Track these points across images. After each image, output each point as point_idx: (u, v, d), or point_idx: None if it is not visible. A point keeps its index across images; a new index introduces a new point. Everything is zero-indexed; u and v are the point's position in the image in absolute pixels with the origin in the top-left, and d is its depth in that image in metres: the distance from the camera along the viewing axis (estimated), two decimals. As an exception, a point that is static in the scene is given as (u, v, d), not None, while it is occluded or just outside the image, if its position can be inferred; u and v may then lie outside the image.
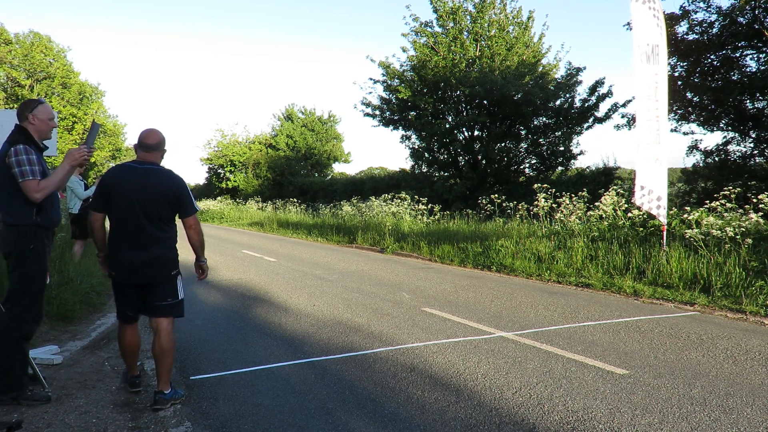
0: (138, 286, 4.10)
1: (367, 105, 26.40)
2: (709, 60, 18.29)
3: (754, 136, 18.76)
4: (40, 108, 4.02)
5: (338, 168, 57.52)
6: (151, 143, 4.07)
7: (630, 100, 21.31)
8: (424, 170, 26.48)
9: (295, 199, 33.48)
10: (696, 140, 19.87)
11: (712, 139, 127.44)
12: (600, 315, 7.14)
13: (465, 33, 24.23)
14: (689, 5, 17.72)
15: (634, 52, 9.52)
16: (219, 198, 46.07)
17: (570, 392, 4.31)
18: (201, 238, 4.20)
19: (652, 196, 9.44)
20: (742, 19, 16.79)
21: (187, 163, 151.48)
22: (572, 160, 23.88)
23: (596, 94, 22.88)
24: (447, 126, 24.08)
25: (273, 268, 11.83)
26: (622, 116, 21.04)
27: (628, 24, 18.24)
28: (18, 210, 3.88)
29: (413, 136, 25.97)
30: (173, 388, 4.16)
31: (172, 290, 4.13)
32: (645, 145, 9.46)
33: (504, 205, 15.93)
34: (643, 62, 9.50)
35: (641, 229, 10.41)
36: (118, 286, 4.15)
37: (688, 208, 10.30)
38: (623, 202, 11.47)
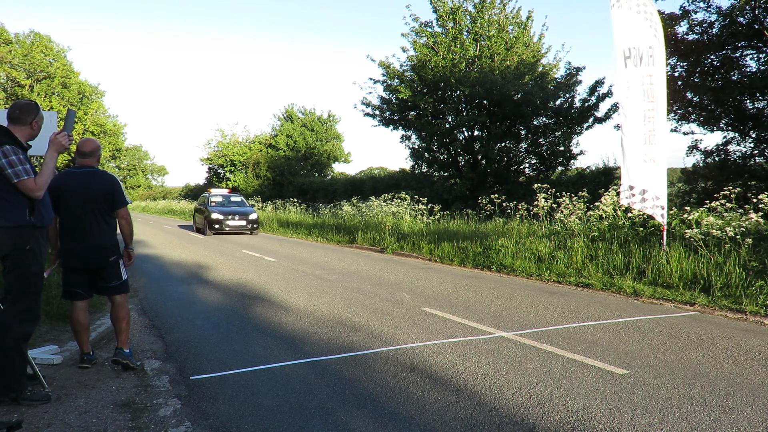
0: (87, 270, 4.76)
1: (367, 105, 26.41)
2: (709, 60, 18.30)
3: (754, 136, 18.76)
4: (41, 115, 4.17)
5: (338, 168, 57.54)
6: (87, 150, 4.77)
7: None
8: (424, 170, 26.49)
9: (295, 199, 33.46)
10: (696, 140, 19.90)
11: (712, 139, 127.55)
12: (600, 315, 7.13)
13: (465, 33, 24.24)
14: (689, 5, 17.73)
15: (615, 56, 9.65)
16: (219, 198, 45.97)
17: (570, 392, 4.31)
18: (131, 228, 4.87)
19: (647, 196, 9.47)
20: (742, 19, 16.80)
21: (187, 163, 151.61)
22: (572, 160, 23.91)
23: (596, 94, 22.91)
24: (447, 126, 24.08)
25: (273, 268, 11.83)
26: (623, 116, 21.04)
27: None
28: (11, 212, 3.88)
29: (413, 136, 26.00)
30: (130, 353, 4.91)
31: (116, 273, 4.82)
32: (640, 145, 9.49)
33: (504, 205, 15.92)
34: (628, 66, 9.60)
35: (641, 229, 10.41)
36: (69, 270, 4.74)
37: (688, 208, 10.29)
38: (623, 201, 11.47)
